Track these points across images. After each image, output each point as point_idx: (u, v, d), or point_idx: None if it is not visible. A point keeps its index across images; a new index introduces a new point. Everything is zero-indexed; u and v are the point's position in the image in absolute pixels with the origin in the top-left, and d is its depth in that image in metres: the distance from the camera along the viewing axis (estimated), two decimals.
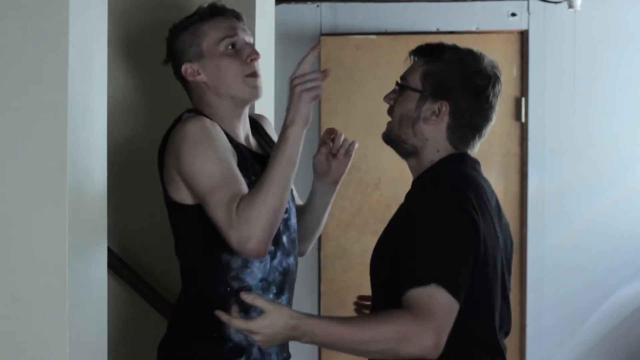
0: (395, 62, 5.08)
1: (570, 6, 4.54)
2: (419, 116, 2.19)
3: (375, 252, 2.22)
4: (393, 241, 2.12)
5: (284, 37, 4.81)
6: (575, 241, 4.97)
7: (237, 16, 2.42)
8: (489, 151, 4.92)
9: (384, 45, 5.07)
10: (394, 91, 2.26)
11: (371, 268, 2.22)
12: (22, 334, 2.05)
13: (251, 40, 2.43)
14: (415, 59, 2.24)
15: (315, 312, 5.00)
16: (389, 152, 2.31)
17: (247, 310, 2.20)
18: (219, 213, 2.17)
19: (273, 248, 2.35)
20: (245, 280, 2.32)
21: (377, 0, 5.04)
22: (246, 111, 2.44)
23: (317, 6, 5.08)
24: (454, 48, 2.21)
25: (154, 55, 2.61)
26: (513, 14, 5.05)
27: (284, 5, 4.96)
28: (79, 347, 2.08)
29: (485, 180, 2.24)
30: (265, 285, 2.35)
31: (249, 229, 2.14)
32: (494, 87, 2.20)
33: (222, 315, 1.94)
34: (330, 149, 2.50)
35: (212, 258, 2.32)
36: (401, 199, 2.24)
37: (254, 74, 2.38)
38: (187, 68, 2.39)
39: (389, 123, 2.27)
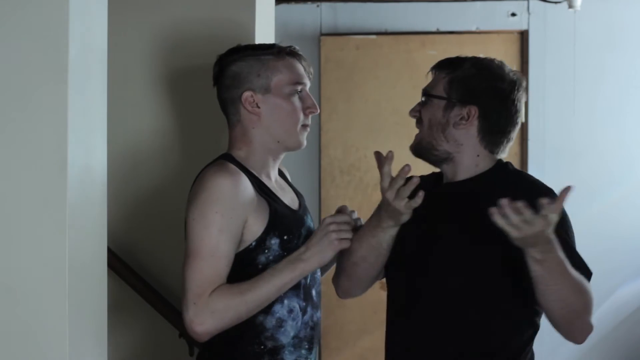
0: (395, 62, 5.13)
1: (570, 6, 4.54)
2: (448, 122, 2.22)
3: (478, 264, 2.21)
4: (505, 250, 2.13)
5: (284, 37, 4.79)
6: (575, 241, 4.96)
7: (308, 63, 2.34)
8: None
9: (384, 45, 5.07)
10: (419, 104, 2.27)
11: (466, 279, 2.22)
12: (22, 334, 2.04)
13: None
14: (436, 73, 2.27)
15: None
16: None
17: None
18: (191, 281, 2.14)
19: (304, 304, 2.28)
20: (280, 340, 2.25)
21: (377, 0, 5.04)
22: (281, 158, 2.37)
23: (317, 6, 5.08)
24: (474, 58, 2.26)
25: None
26: (513, 14, 5.05)
27: (284, 5, 4.95)
28: (79, 347, 2.08)
29: None
30: (297, 342, 2.27)
31: (208, 318, 2.12)
32: (518, 90, 2.23)
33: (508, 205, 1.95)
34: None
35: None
36: None
37: (307, 127, 2.32)
38: (248, 97, 2.27)
39: (418, 134, 2.27)
